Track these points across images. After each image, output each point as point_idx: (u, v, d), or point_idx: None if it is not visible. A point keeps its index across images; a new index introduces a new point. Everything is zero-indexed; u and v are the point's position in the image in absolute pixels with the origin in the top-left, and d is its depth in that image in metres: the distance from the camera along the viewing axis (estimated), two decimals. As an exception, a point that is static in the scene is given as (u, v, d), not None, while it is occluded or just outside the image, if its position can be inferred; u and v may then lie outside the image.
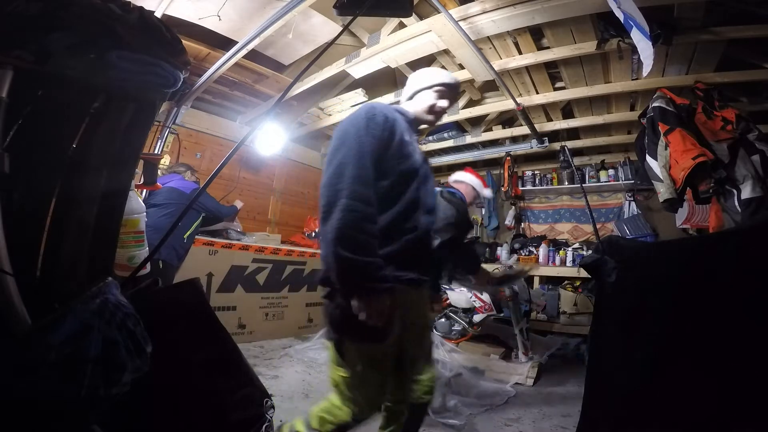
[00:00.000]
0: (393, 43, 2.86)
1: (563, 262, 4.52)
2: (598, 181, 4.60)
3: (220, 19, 2.73)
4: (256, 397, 1.19)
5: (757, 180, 2.55)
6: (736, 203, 2.65)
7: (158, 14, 2.53)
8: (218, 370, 1.18)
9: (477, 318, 3.61)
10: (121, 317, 0.80)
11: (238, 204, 3.90)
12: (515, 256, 4.81)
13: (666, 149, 2.65)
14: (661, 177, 2.73)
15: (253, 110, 4.22)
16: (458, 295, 3.73)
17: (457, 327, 3.72)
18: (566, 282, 4.53)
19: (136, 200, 1.36)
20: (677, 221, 4.09)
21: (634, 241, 1.81)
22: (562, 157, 4.30)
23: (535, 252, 4.72)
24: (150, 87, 0.96)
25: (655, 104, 2.74)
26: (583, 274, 4.12)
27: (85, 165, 0.96)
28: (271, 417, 1.24)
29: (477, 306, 3.60)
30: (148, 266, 1.67)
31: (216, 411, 1.09)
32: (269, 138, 4.12)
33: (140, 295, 1.12)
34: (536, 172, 5.03)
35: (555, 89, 3.43)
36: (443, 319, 3.80)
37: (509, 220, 5.24)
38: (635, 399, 0.80)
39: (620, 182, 4.47)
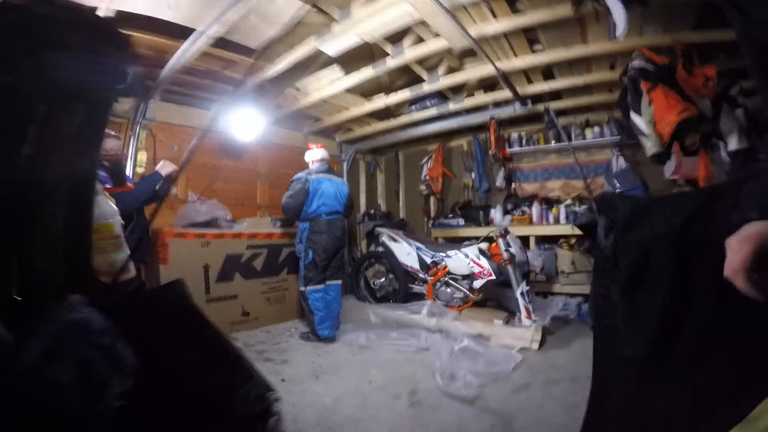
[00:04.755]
0: (365, 16, 2.74)
1: (557, 220, 4.52)
2: (584, 139, 4.56)
3: (170, 8, 2.57)
4: (258, 393, 1.18)
5: (743, 133, 2.62)
6: (724, 155, 2.73)
7: (107, 10, 2.38)
8: (214, 369, 1.16)
9: (477, 284, 3.64)
10: (93, 334, 0.77)
11: (164, 168, 2.91)
12: (509, 217, 4.80)
13: (650, 106, 2.71)
14: (647, 133, 2.86)
15: (227, 97, 4.08)
16: (456, 261, 3.74)
17: (458, 294, 3.75)
18: (562, 240, 4.56)
19: (107, 204, 1.30)
20: (666, 173, 4.07)
21: (627, 198, 1.84)
22: (546, 119, 4.23)
23: (528, 211, 4.71)
24: (97, 85, 0.90)
25: (635, 63, 2.80)
26: (578, 231, 4.20)
27: (41, 173, 0.90)
28: (279, 410, 1.23)
29: (476, 272, 3.62)
30: (133, 269, 1.63)
31: (217, 411, 1.08)
32: (246, 123, 4.00)
33: (125, 301, 1.09)
34: (522, 133, 4.98)
35: (533, 52, 3.33)
36: (444, 287, 3.82)
37: (500, 182, 5.20)
38: (644, 363, 0.79)
39: (606, 138, 4.45)
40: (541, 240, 4.64)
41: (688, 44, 2.75)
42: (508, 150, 4.93)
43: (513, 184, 5.23)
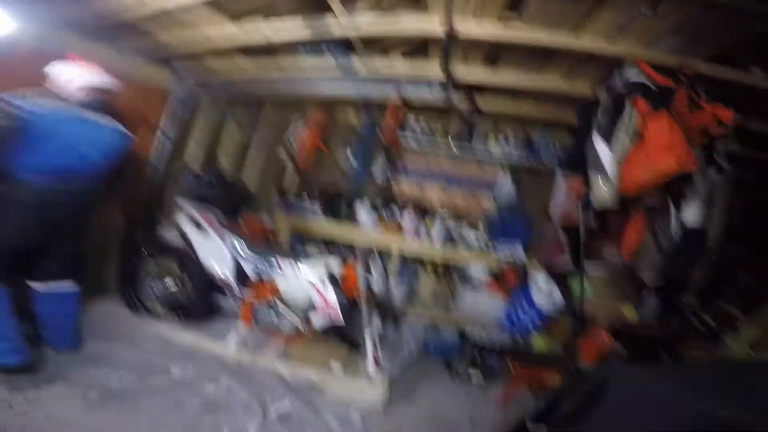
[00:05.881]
0: None
1: (428, 236, 3.80)
2: (487, 149, 4.02)
3: None
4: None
5: (704, 204, 2.14)
6: (672, 225, 2.20)
7: None
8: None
9: (315, 320, 2.63)
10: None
11: None
12: (375, 219, 3.92)
13: (631, 137, 2.03)
14: (609, 172, 2.11)
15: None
16: (292, 284, 2.65)
17: (287, 323, 2.68)
18: (427, 262, 3.89)
19: None
20: (553, 210, 3.66)
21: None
22: (467, 113, 3.45)
23: (399, 219, 3.90)
24: None
25: (631, 75, 2.09)
26: (450, 257, 3.55)
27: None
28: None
29: (317, 305, 2.59)
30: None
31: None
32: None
33: None
34: (421, 122, 4.15)
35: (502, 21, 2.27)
36: (268, 311, 2.70)
37: (378, 173, 4.29)
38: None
39: (511, 155, 4.00)
40: (407, 257, 3.90)
41: (696, 74, 2.11)
42: (400, 140, 4.03)
43: (391, 180, 4.37)
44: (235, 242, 2.80)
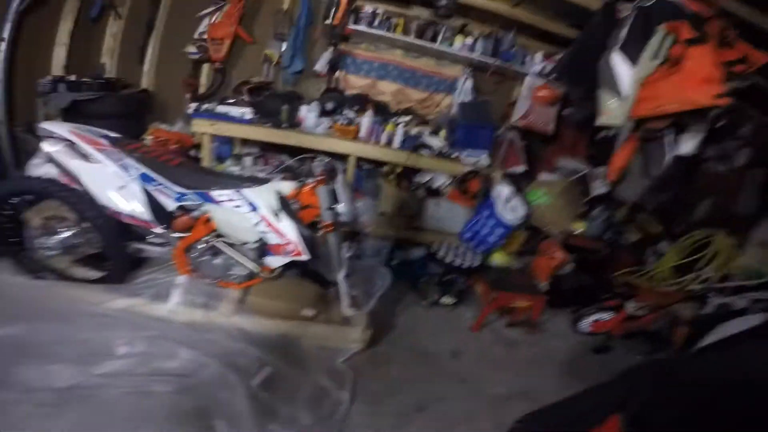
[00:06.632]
0: None
1: (390, 142, 3.30)
2: (451, 45, 3.50)
3: None
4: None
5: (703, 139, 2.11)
6: (666, 152, 2.16)
7: None
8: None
9: (272, 261, 2.15)
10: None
11: None
12: (327, 122, 3.26)
13: (660, 61, 1.90)
14: (625, 91, 1.98)
15: None
16: (231, 216, 2.04)
17: (238, 270, 2.19)
18: (387, 168, 3.45)
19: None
20: (515, 115, 3.37)
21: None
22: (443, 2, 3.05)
23: (357, 121, 3.27)
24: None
25: None
26: (414, 164, 3.15)
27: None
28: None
29: (272, 242, 2.09)
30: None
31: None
32: None
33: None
34: (379, 11, 3.43)
35: None
36: (210, 256, 2.17)
37: (321, 66, 3.54)
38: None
39: (475, 55, 3.54)
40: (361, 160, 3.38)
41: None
42: (351, 26, 3.26)
43: (338, 73, 3.62)
44: (142, 167, 2.03)
